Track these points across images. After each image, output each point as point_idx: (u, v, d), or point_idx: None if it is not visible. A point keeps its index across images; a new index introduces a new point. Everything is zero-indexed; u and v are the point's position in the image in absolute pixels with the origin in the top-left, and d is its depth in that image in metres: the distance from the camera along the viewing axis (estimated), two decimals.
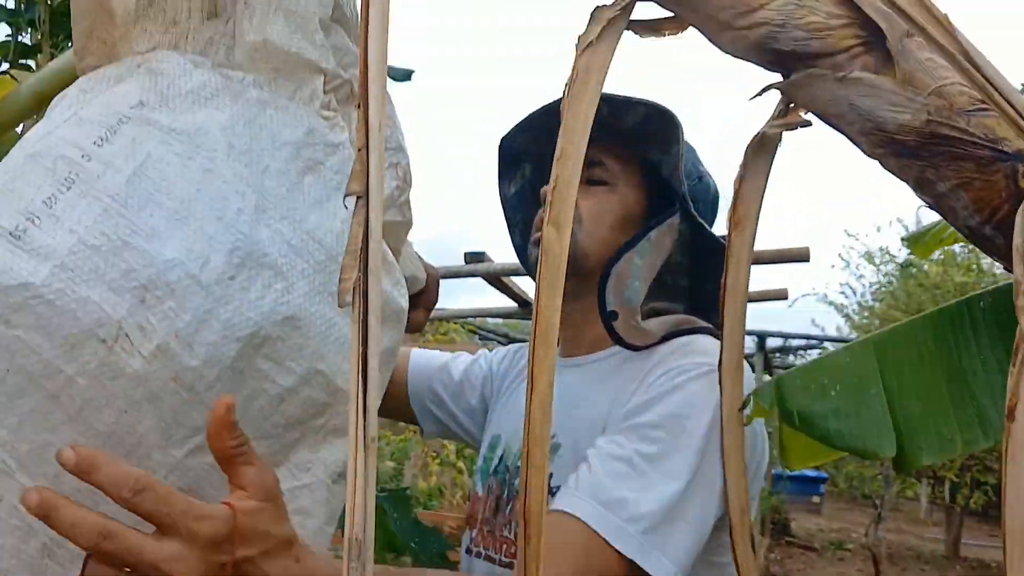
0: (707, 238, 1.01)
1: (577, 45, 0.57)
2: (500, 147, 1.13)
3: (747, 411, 0.72)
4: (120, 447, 0.52)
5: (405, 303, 0.71)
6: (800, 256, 3.04)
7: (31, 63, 1.46)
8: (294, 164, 0.60)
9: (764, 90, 0.60)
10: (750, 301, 0.73)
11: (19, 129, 0.97)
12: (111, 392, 0.51)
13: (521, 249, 1.15)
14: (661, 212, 0.99)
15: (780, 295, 3.87)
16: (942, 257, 9.52)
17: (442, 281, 0.96)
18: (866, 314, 11.97)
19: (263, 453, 0.54)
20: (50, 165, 0.53)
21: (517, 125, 1.09)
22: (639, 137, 1.00)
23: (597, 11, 0.58)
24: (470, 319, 5.43)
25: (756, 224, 0.67)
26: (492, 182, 1.17)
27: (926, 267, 9.92)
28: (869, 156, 0.60)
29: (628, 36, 0.60)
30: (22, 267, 0.49)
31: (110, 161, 0.54)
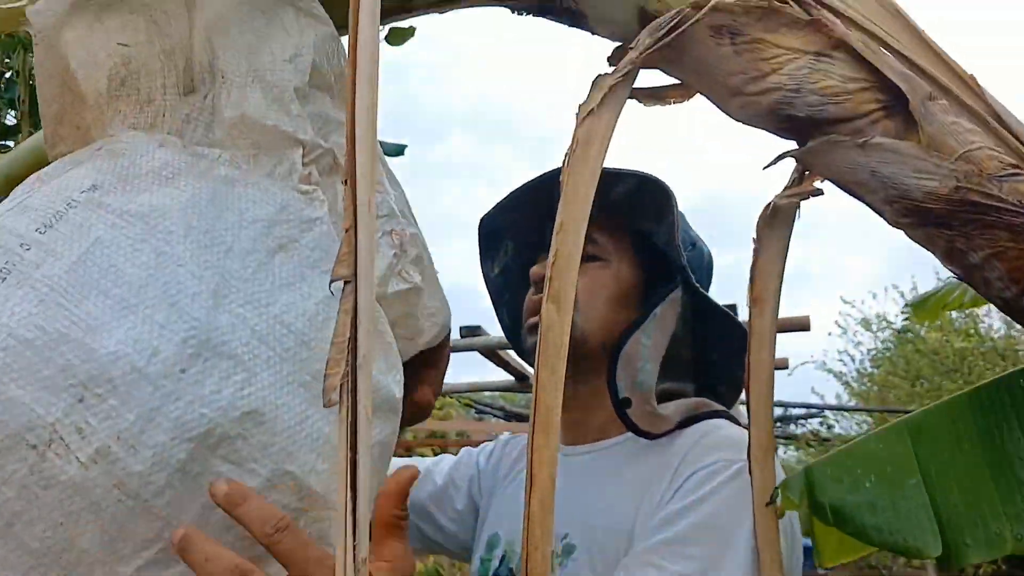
0: (710, 308, 0.97)
1: (577, 114, 0.55)
2: (481, 226, 1.10)
3: (776, 502, 0.66)
4: (56, 565, 0.47)
5: (399, 391, 0.64)
6: (801, 325, 3.02)
7: (10, 144, 1.44)
8: (263, 242, 0.55)
9: (779, 158, 0.57)
10: None
11: None
12: (44, 503, 0.46)
13: (511, 330, 1.10)
14: (658, 285, 0.96)
15: (780, 364, 3.84)
16: (940, 323, 9.53)
17: None
18: (865, 381, 11.91)
19: None
20: None
21: (499, 203, 1.06)
22: (630, 209, 0.97)
23: (598, 78, 0.56)
24: (466, 393, 5.37)
25: (777, 301, 0.63)
26: None
27: (923, 333, 9.91)
28: (893, 226, 0.56)
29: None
30: None
31: (52, 248, 0.51)
